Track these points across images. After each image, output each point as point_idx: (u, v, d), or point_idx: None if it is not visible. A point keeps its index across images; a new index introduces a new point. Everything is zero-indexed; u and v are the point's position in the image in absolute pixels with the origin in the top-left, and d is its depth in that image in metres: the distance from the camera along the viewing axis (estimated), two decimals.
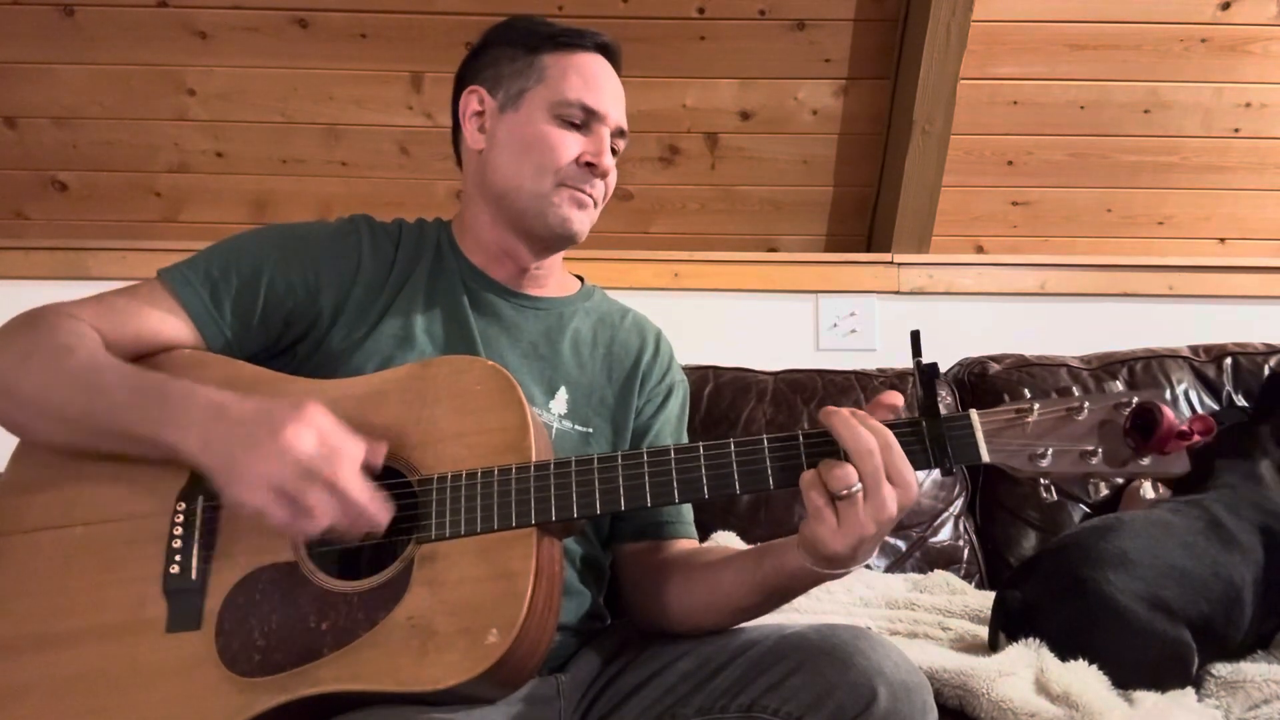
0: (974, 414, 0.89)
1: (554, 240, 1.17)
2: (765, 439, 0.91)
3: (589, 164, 1.13)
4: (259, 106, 2.27)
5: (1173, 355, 2.00)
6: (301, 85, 2.25)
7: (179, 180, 2.38)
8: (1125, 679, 1.21)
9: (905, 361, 2.04)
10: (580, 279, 1.31)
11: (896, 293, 2.33)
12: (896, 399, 0.91)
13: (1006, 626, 1.34)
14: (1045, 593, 1.34)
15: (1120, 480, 1.73)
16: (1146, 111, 2.28)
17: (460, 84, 1.22)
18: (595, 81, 1.15)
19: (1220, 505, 1.44)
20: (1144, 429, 0.86)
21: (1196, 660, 1.28)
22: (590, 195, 1.15)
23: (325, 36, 2.18)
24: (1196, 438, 0.85)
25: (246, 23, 2.16)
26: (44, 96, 2.25)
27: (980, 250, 2.46)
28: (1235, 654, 1.36)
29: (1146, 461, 0.87)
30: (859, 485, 0.84)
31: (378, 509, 0.88)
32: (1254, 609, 1.35)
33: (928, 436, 0.88)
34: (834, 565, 0.90)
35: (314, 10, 2.15)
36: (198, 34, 2.18)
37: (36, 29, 2.15)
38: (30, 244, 2.33)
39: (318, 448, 0.86)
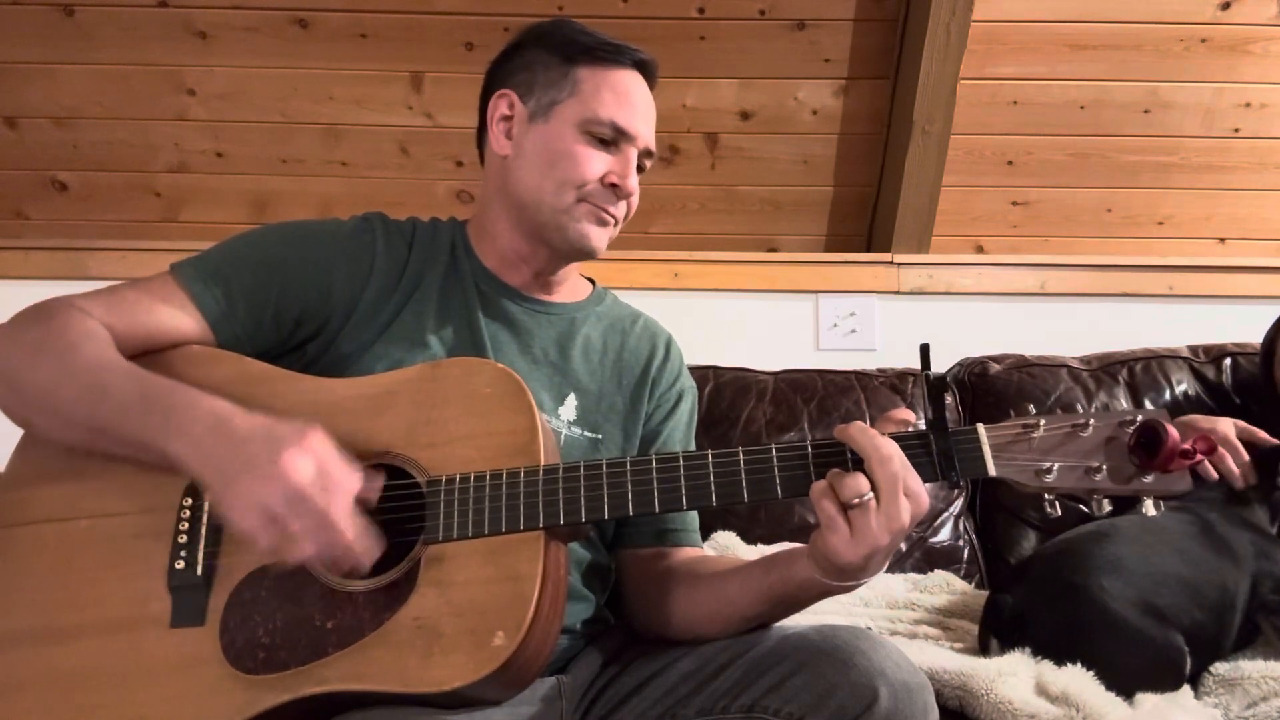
0: (981, 428, 0.90)
1: (571, 254, 1.17)
2: (774, 447, 0.92)
3: (613, 184, 1.13)
4: (259, 106, 2.27)
5: (1172, 355, 1.99)
6: (301, 85, 2.25)
7: (179, 180, 2.38)
8: (1118, 684, 1.21)
9: (905, 361, 2.04)
10: (592, 281, 1.31)
11: (896, 293, 2.33)
12: (908, 415, 0.92)
13: (998, 630, 1.34)
14: (1038, 598, 1.34)
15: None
16: (1146, 111, 2.28)
17: (490, 83, 1.20)
18: (628, 100, 1.14)
19: (1213, 512, 1.43)
20: (1148, 447, 0.87)
21: (1189, 663, 1.28)
22: (612, 214, 1.15)
23: (325, 36, 2.18)
24: (1199, 457, 0.86)
25: (246, 23, 2.16)
26: (44, 96, 2.25)
27: (980, 250, 2.46)
28: (1224, 657, 1.35)
29: (1150, 479, 0.88)
30: (870, 494, 0.85)
31: (364, 549, 0.87)
32: (1243, 615, 1.35)
33: (935, 449, 0.90)
34: (844, 577, 0.91)
35: (314, 10, 2.15)
36: (198, 34, 2.18)
37: (36, 29, 2.15)
38: (30, 244, 2.33)
39: (314, 476, 0.85)
